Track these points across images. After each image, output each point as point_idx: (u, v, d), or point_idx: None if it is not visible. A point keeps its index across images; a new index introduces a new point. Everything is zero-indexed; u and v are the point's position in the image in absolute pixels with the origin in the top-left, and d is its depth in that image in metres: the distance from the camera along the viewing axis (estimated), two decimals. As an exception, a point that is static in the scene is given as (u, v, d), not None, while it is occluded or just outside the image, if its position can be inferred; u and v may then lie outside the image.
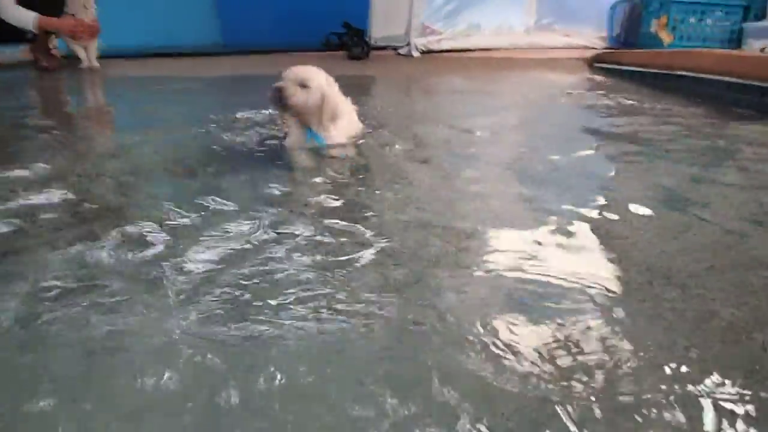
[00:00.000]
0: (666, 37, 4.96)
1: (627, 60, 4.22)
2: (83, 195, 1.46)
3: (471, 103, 3.07)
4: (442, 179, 1.65)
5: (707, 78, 3.36)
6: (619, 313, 0.91)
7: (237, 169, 1.70)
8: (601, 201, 1.44)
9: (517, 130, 2.46)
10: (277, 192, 1.49)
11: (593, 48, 5.41)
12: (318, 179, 1.61)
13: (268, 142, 2.04)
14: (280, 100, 1.73)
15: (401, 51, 5.31)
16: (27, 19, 3.91)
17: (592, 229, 1.25)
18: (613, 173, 1.72)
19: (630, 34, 5.41)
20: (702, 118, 2.59)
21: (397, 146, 1.98)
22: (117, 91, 3.70)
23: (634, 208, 1.37)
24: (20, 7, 3.90)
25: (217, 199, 1.41)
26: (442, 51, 5.30)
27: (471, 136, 2.20)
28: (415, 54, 5.19)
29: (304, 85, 1.74)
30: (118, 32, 4.74)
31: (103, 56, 4.48)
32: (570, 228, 1.25)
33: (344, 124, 1.92)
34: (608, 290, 0.98)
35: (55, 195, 1.44)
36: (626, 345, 0.83)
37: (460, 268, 1.07)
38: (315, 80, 1.76)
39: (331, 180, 1.61)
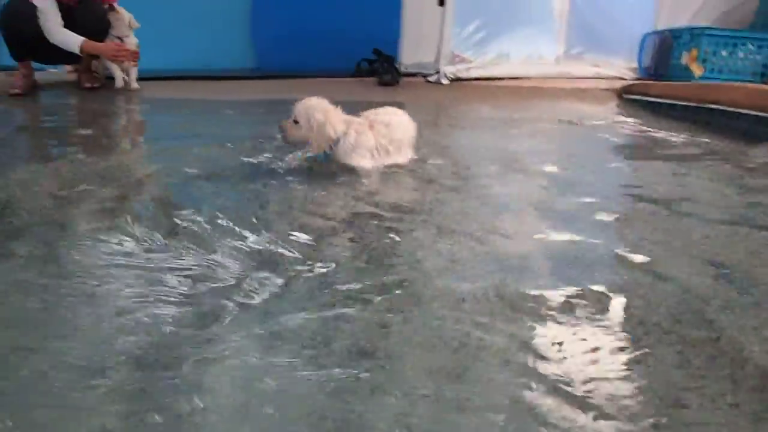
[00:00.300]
0: (697, 69, 4.95)
1: (656, 92, 4.22)
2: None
3: (499, 132, 3.11)
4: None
5: (738, 112, 3.35)
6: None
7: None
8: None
9: (541, 163, 2.48)
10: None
11: (623, 78, 5.42)
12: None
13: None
14: (281, 135, 2.11)
15: (430, 78, 5.39)
16: (73, 42, 4.09)
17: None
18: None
19: (660, 65, 5.41)
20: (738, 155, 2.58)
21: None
22: (154, 111, 3.84)
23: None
24: (67, 31, 4.08)
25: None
26: (471, 79, 5.36)
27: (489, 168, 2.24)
28: (445, 81, 5.26)
29: (296, 121, 2.04)
30: (155, 55, 4.91)
31: (139, 78, 4.64)
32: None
33: (350, 142, 2.08)
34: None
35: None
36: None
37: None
38: (304, 116, 2.03)
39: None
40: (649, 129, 3.15)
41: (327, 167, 2.11)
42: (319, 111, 2.03)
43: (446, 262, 1.31)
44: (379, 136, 2.13)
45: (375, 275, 1.23)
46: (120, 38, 4.33)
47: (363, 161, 2.10)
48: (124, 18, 4.30)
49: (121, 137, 2.91)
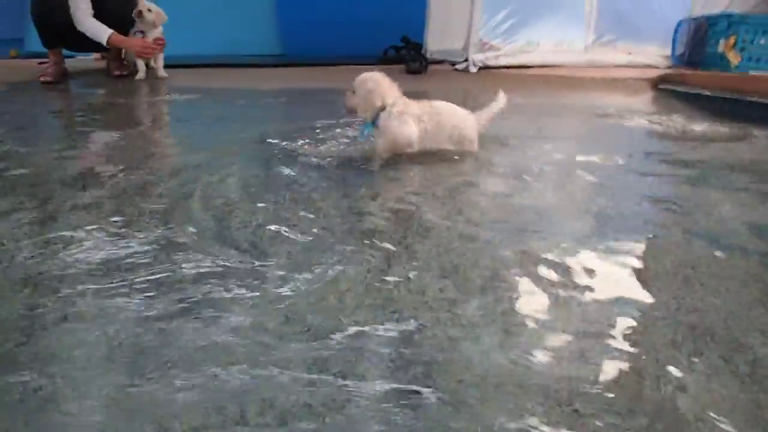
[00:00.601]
0: (734, 58, 4.80)
1: (694, 82, 4.10)
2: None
3: (529, 124, 3.04)
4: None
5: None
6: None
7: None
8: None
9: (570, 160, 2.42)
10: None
11: (656, 67, 5.28)
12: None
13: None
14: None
15: (458, 66, 5.31)
16: (102, 34, 4.11)
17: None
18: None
19: (694, 53, 5.25)
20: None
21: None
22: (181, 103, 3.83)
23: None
24: (96, 22, 4.10)
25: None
26: (499, 67, 5.27)
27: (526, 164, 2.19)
28: (473, 69, 5.18)
29: (353, 91, 2.15)
30: (180, 42, 4.90)
31: (165, 65, 4.64)
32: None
33: (397, 110, 2.11)
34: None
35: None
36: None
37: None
38: (358, 85, 2.13)
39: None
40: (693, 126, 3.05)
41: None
42: (372, 81, 2.12)
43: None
44: (426, 114, 2.16)
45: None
46: (143, 32, 4.32)
47: (406, 128, 2.10)
48: (147, 20, 4.27)
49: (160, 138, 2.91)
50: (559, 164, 2.20)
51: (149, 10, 4.28)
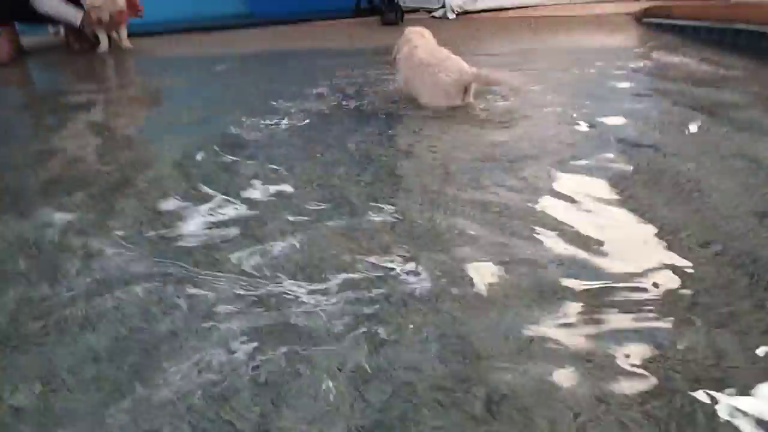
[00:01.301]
0: (719, -16, 4.65)
1: (679, 13, 3.96)
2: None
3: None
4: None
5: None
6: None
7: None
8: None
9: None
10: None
11: (638, 0, 5.12)
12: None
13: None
14: None
15: (436, 14, 5.11)
16: (70, 15, 3.89)
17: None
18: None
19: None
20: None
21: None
22: (152, 74, 3.64)
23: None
24: (62, 2, 3.87)
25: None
26: (479, 11, 5.08)
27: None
28: (451, 16, 4.98)
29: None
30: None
31: (129, 35, 4.40)
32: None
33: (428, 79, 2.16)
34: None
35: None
36: None
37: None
38: (402, 42, 2.33)
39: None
40: (671, 55, 2.93)
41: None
42: (406, 32, 2.37)
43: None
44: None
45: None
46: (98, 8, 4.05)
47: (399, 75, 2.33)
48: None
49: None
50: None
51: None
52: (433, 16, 5.11)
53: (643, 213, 1.25)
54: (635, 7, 4.60)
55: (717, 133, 1.77)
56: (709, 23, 3.63)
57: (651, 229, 1.18)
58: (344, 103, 2.33)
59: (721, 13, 3.65)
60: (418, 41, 2.31)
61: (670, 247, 1.11)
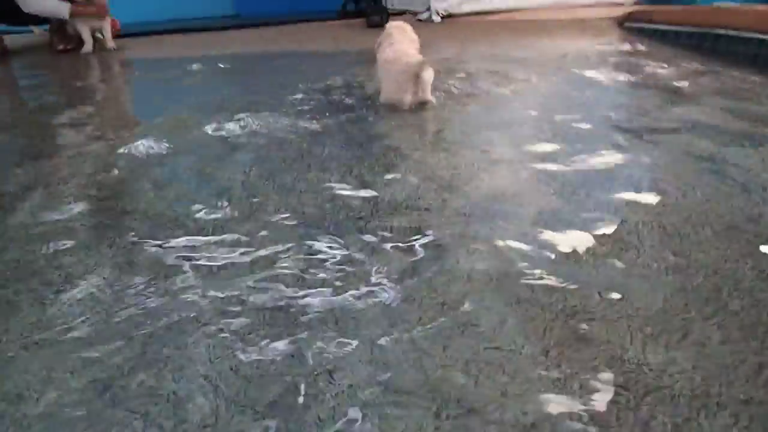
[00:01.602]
0: (701, -10, 4.71)
1: (660, 18, 4.01)
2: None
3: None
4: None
5: (749, 37, 3.18)
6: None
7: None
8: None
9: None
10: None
11: (621, 4, 5.17)
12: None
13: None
14: None
15: (421, 17, 5.13)
16: (60, 9, 3.88)
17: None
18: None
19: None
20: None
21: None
22: (135, 77, 3.64)
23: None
24: None
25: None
26: (463, 15, 5.11)
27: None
28: (436, 19, 5.01)
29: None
30: (127, 9, 4.65)
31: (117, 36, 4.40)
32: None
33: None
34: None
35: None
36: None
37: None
38: (383, 38, 2.38)
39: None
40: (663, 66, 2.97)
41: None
42: (393, 27, 2.42)
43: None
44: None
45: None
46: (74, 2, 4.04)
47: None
48: None
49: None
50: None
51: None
52: (419, 19, 5.13)
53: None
54: (618, 12, 4.64)
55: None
56: (690, 28, 3.69)
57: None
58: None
59: (701, 18, 3.70)
60: (397, 37, 2.32)
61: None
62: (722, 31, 3.44)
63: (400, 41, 2.30)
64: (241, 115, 2.21)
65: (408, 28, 2.43)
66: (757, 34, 3.18)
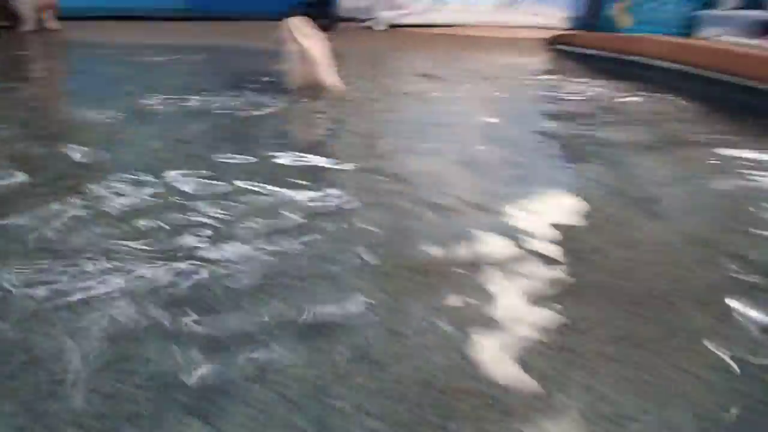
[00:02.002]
0: (624, 20, 5.06)
1: (580, 42, 4.33)
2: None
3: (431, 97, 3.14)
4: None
5: (658, 65, 3.46)
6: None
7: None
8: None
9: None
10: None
11: (556, 28, 5.49)
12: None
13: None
14: None
15: (366, 24, 5.33)
16: None
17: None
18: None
19: (592, 15, 5.50)
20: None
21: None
22: (79, 60, 3.67)
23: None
24: None
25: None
26: (407, 25, 5.33)
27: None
28: (380, 27, 5.21)
29: None
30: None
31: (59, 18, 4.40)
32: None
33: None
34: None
35: None
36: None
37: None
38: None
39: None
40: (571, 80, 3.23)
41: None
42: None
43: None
44: None
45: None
46: None
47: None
48: None
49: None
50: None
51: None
52: (366, 27, 5.32)
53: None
54: (550, 34, 4.96)
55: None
56: (605, 53, 4.00)
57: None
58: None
59: (617, 44, 4.01)
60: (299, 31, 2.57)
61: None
62: (635, 58, 3.74)
63: (304, 35, 2.53)
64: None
65: (307, 22, 2.64)
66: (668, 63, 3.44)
